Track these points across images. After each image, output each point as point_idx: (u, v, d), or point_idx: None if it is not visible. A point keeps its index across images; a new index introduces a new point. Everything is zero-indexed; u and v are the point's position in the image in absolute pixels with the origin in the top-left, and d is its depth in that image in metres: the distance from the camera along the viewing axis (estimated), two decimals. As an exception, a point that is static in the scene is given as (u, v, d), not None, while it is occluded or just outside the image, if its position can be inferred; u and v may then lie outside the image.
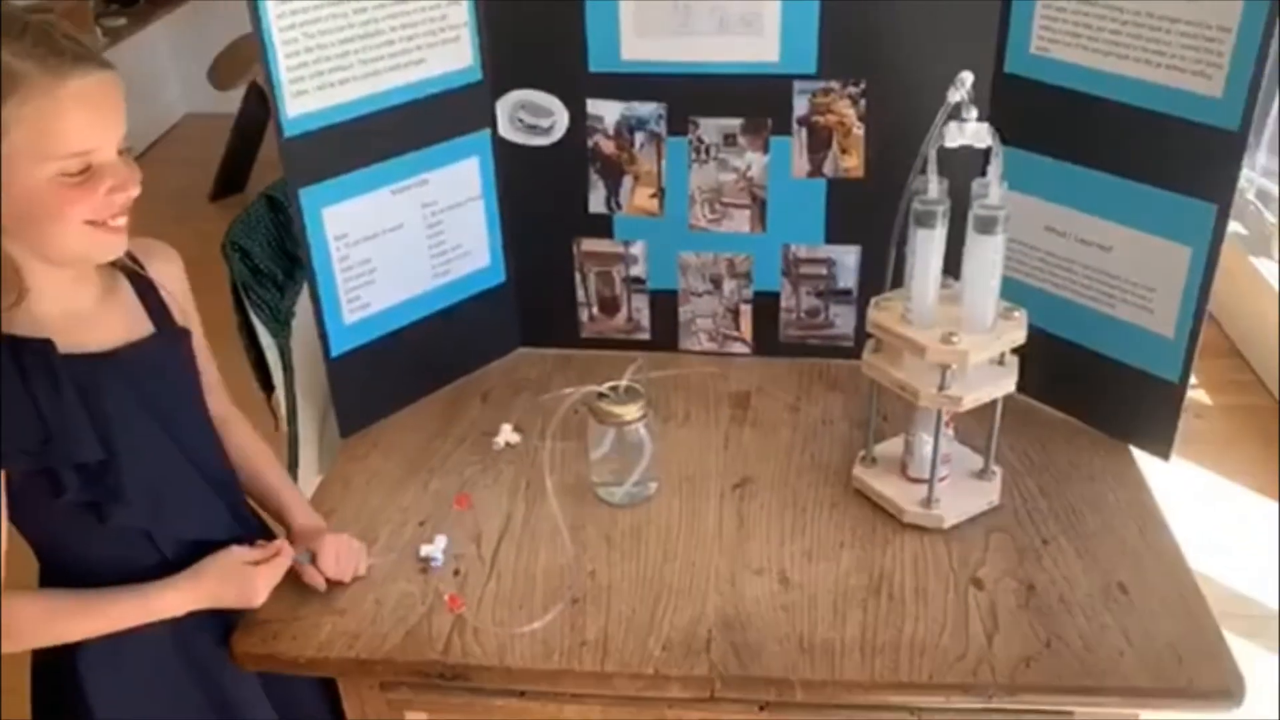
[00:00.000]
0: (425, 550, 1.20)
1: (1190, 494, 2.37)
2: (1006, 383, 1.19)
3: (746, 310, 1.54)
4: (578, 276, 1.54)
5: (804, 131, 1.41)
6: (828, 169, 1.42)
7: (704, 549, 1.22)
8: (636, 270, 1.53)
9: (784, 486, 1.31)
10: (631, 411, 1.24)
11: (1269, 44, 1.08)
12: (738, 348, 1.57)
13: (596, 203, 1.49)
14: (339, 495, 1.33)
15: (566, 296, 1.56)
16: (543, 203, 1.50)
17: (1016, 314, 1.17)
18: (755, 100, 1.40)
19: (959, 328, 1.14)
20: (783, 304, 1.52)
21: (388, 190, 1.37)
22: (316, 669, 1.11)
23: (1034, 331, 1.30)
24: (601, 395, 1.26)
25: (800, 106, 1.39)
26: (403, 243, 1.40)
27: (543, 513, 1.28)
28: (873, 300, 1.21)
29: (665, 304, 1.55)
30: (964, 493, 1.25)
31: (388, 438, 1.43)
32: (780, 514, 1.27)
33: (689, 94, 1.40)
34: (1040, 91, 1.28)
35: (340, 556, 1.16)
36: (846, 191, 1.43)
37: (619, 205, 1.49)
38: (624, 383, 1.27)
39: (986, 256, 1.11)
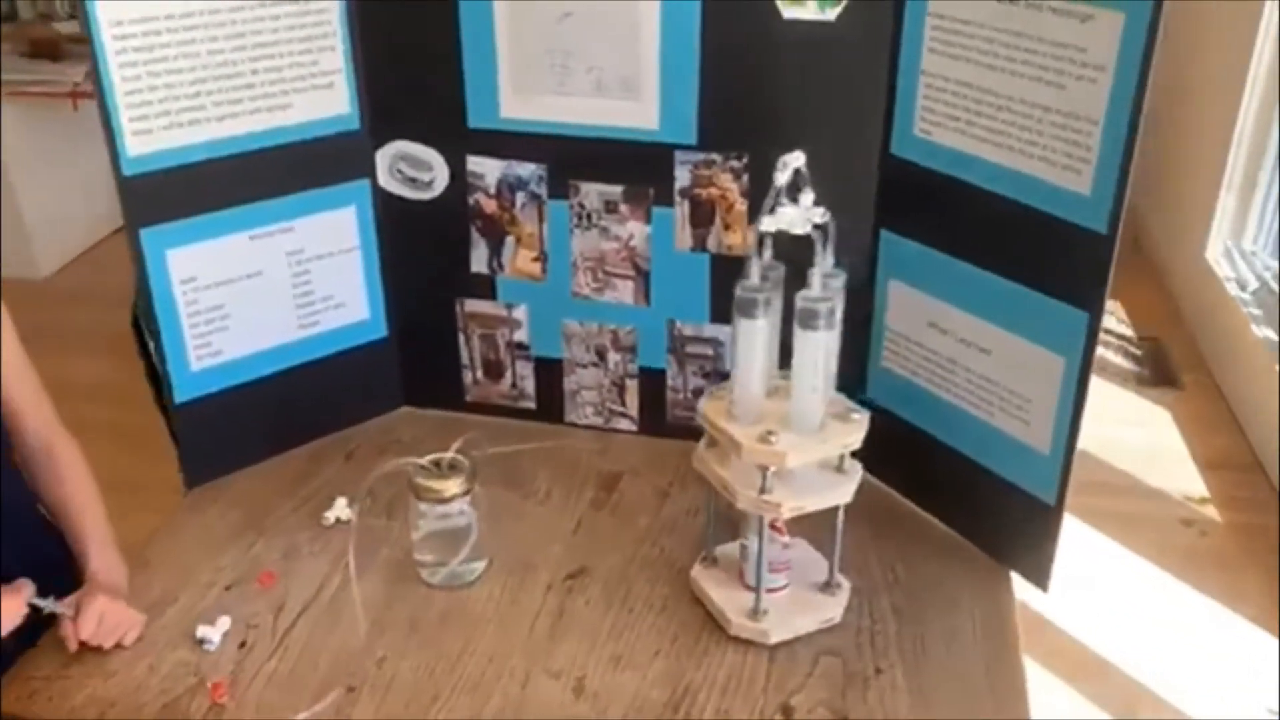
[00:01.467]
0: (201, 632, 1.13)
1: (1185, 620, 2.19)
2: (841, 491, 1.08)
3: (632, 386, 1.45)
4: (461, 338, 1.48)
5: (686, 204, 1.32)
6: (711, 244, 1.34)
7: (509, 644, 1.13)
8: (520, 335, 1.46)
9: (620, 582, 1.21)
10: (451, 488, 1.17)
11: (1134, 139, 0.97)
12: (624, 424, 1.48)
13: (478, 262, 1.42)
14: (161, 547, 1.27)
15: (450, 357, 1.49)
16: (425, 258, 1.44)
17: (856, 415, 1.07)
18: (636, 168, 1.32)
19: (786, 427, 1.04)
20: (669, 382, 1.43)
21: (245, 235, 1.32)
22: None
23: (917, 433, 1.20)
24: (423, 469, 1.18)
25: (682, 177, 1.31)
26: (262, 290, 1.35)
27: (361, 589, 1.20)
28: (708, 389, 1.12)
29: (550, 373, 1.47)
30: (801, 606, 1.14)
31: (235, 491, 1.37)
32: (605, 612, 1.17)
33: (569, 156, 1.33)
34: (924, 176, 1.18)
35: (105, 621, 1.09)
36: (731, 269, 1.33)
37: (501, 266, 1.42)
38: (449, 455, 1.20)
39: (808, 353, 1.01)
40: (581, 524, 1.31)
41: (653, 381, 1.44)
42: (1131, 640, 2.17)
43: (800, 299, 1.00)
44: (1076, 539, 2.16)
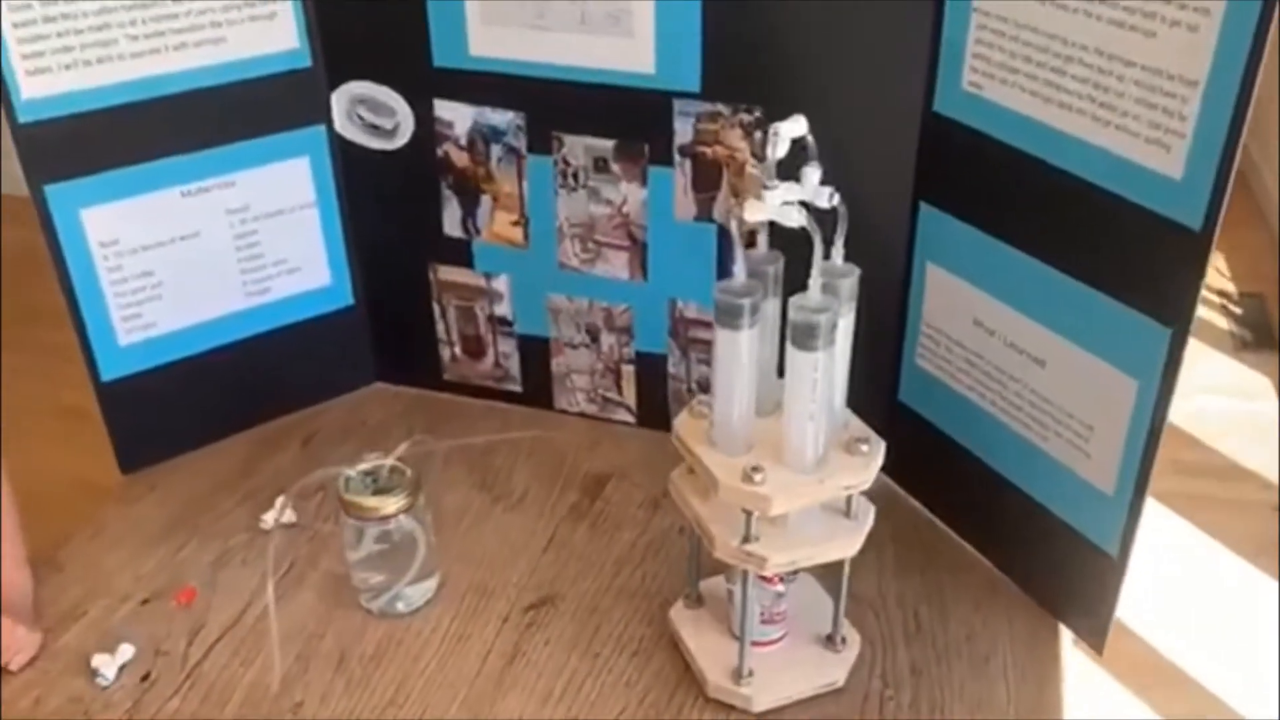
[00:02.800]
0: (96, 662, 0.98)
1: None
2: (846, 542, 0.88)
3: (629, 372, 1.25)
4: (436, 309, 1.29)
5: (688, 164, 1.11)
6: (718, 212, 1.12)
7: (448, 692, 0.96)
8: (501, 309, 1.26)
9: (589, 616, 1.03)
10: (388, 505, 0.99)
11: (1245, 109, 0.73)
12: (620, 415, 1.28)
13: (451, 224, 1.23)
14: (79, 548, 1.12)
15: (425, 331, 1.31)
16: (393, 217, 1.25)
17: (866, 448, 0.86)
18: (629, 119, 1.10)
19: (779, 459, 0.84)
20: (670, 370, 1.23)
21: (176, 191, 1.14)
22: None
23: (956, 448, 0.99)
24: (354, 480, 1.00)
25: (683, 132, 1.09)
26: (200, 255, 1.17)
27: (286, 611, 1.04)
28: (695, 398, 0.92)
29: (536, 353, 1.28)
30: (798, 665, 0.94)
31: (174, 480, 1.21)
32: (567, 655, 0.99)
33: (550, 103, 1.12)
34: (971, 140, 0.94)
35: None
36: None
37: (477, 230, 1.22)
38: (389, 462, 1.02)
39: (805, 376, 0.80)
40: (555, 538, 1.13)
41: (652, 368, 1.24)
42: (1212, 647, 1.94)
43: (794, 309, 0.79)
44: (1155, 526, 1.93)
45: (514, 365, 1.29)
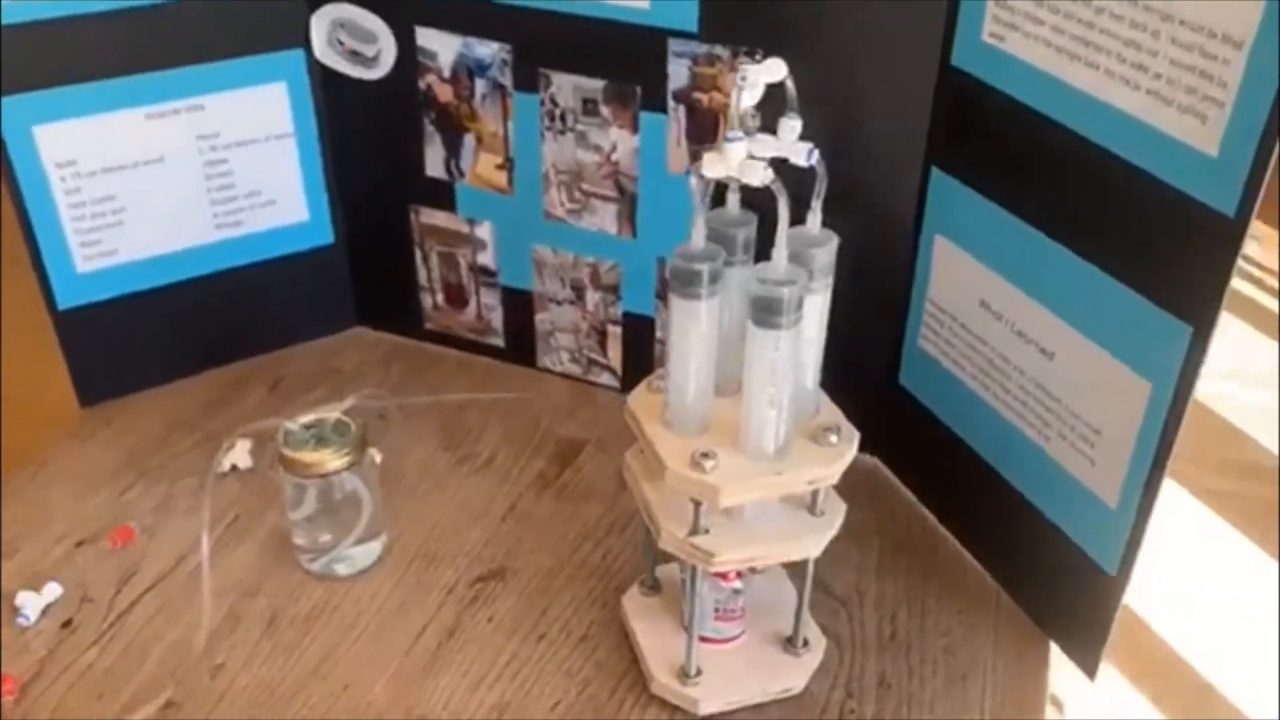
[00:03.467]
0: (20, 599, 0.93)
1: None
2: (807, 543, 0.79)
3: (615, 333, 1.17)
4: (418, 254, 1.21)
5: (682, 111, 1.01)
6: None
7: (376, 666, 0.89)
8: (485, 259, 1.18)
9: (540, 595, 0.96)
10: (330, 460, 0.92)
11: (1296, 78, 0.62)
12: (604, 378, 1.20)
13: (434, 164, 1.14)
14: (23, 483, 1.07)
15: (407, 275, 1.23)
16: (374, 154, 1.17)
17: (835, 439, 0.77)
18: (620, 58, 1.01)
19: (735, 446, 0.75)
20: (658, 334, 1.14)
21: (139, 113, 1.07)
22: None
23: (954, 440, 0.91)
24: (294, 433, 0.94)
25: (678, 75, 1.00)
26: (166, 181, 1.11)
27: (224, 564, 0.98)
28: (656, 371, 0.83)
29: (520, 306, 1.20)
30: (754, 668, 0.86)
31: (131, 417, 1.15)
32: (509, 636, 0.92)
33: (538, 36, 1.03)
34: (988, 98, 0.84)
35: None
36: (745, 199, 1.03)
37: (460, 172, 1.14)
38: (334, 414, 0.95)
39: (764, 356, 0.71)
40: (516, 507, 1.05)
41: (638, 330, 1.15)
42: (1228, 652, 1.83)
43: (757, 281, 0.69)
44: (1178, 523, 1.82)
45: (497, 319, 1.22)
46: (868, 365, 1.05)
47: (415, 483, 1.08)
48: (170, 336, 1.18)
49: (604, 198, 1.09)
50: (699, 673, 0.84)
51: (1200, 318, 0.71)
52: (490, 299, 1.21)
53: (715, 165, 0.68)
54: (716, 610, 0.85)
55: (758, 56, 0.95)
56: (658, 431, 0.77)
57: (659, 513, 0.78)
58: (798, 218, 0.73)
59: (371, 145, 1.16)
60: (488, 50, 1.06)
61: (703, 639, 0.86)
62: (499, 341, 1.23)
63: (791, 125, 0.71)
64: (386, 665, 0.89)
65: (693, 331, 0.73)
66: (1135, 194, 0.73)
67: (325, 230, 1.22)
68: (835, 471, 0.76)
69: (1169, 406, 0.75)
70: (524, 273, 1.17)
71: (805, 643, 0.87)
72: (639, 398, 0.81)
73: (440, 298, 1.23)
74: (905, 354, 1.02)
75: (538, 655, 0.90)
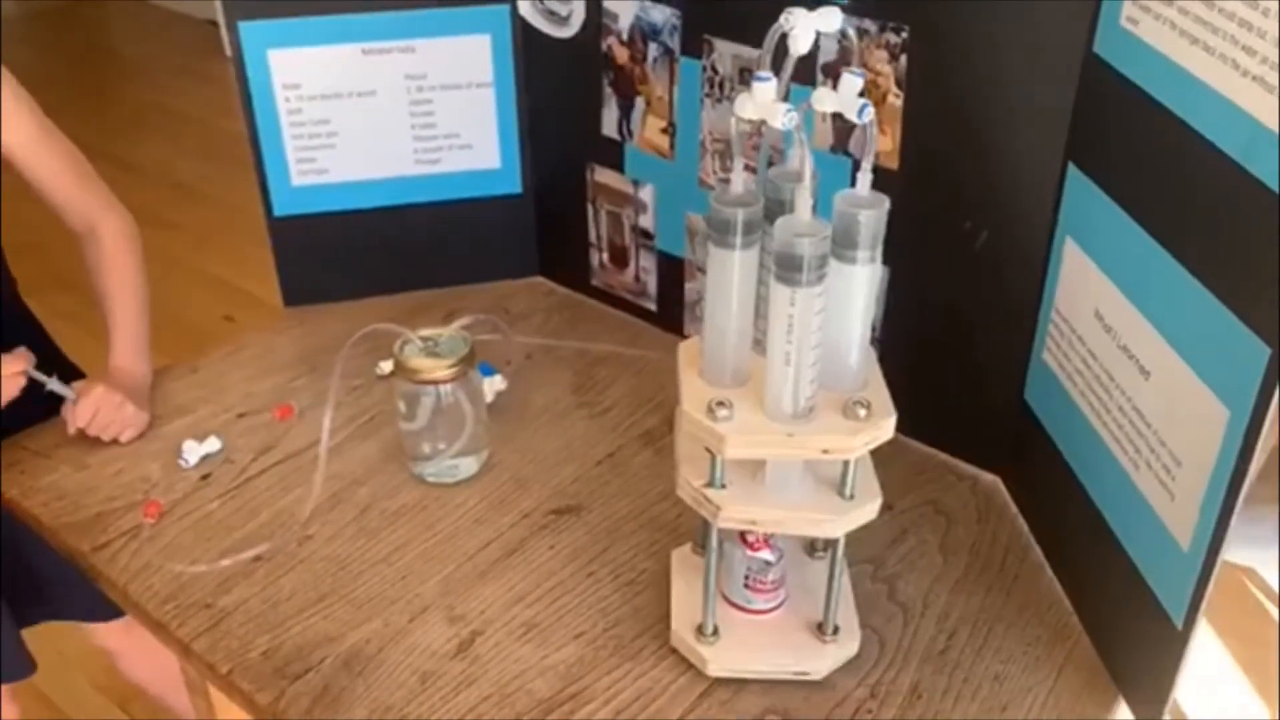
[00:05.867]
0: (186, 446, 1.07)
1: None
2: (827, 522, 0.76)
3: (757, 309, 1.16)
4: (590, 210, 1.27)
5: (829, 85, 0.99)
6: (854, 145, 1.00)
7: (437, 564, 0.95)
8: (645, 221, 1.22)
9: (605, 535, 0.98)
10: (438, 369, 0.99)
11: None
12: (745, 353, 1.20)
13: (609, 124, 1.19)
14: (215, 360, 1.23)
15: (581, 231, 1.29)
16: (562, 110, 1.24)
17: (864, 413, 0.73)
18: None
19: (758, 404, 0.74)
20: (796, 315, 1.13)
21: (358, 48, 1.19)
22: (8, 505, 1.04)
23: (1059, 460, 0.86)
24: (409, 342, 1.01)
25: (827, 48, 0.98)
26: (375, 112, 1.23)
27: (346, 455, 1.08)
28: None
29: (672, 271, 1.23)
30: (776, 645, 0.84)
31: (320, 320, 1.29)
32: (562, 566, 0.95)
33: (706, 1, 1.05)
34: (1122, 92, 0.77)
35: (101, 413, 1.07)
36: (876, 186, 1.00)
37: (630, 133, 1.18)
38: (447, 332, 1.02)
39: (780, 311, 0.69)
40: (616, 454, 1.08)
41: (778, 309, 1.14)
42: None
43: (779, 233, 0.68)
44: None
45: (651, 283, 1.25)
46: (997, 379, 0.99)
47: (534, 416, 1.13)
48: (366, 257, 1.31)
49: (752, 169, 1.09)
50: (716, 632, 0.84)
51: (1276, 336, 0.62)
52: (648, 262, 1.24)
53: (745, 105, 0.68)
54: (747, 578, 0.84)
55: (905, 34, 0.92)
56: (690, 379, 0.78)
57: (683, 460, 0.79)
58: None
59: (559, 102, 1.23)
60: (661, 14, 1.09)
61: (732, 604, 0.86)
62: (652, 305, 1.26)
63: (854, 81, 0.69)
64: (445, 565, 0.95)
65: (726, 281, 0.73)
66: (1238, 196, 0.65)
67: (514, 180, 1.30)
68: (855, 445, 0.73)
69: (1244, 436, 0.66)
70: (678, 239, 1.20)
71: (835, 630, 0.84)
72: (689, 346, 0.81)
73: (605, 256, 1.28)
74: (1032, 367, 0.95)
75: (582, 588, 0.93)
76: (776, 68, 0.71)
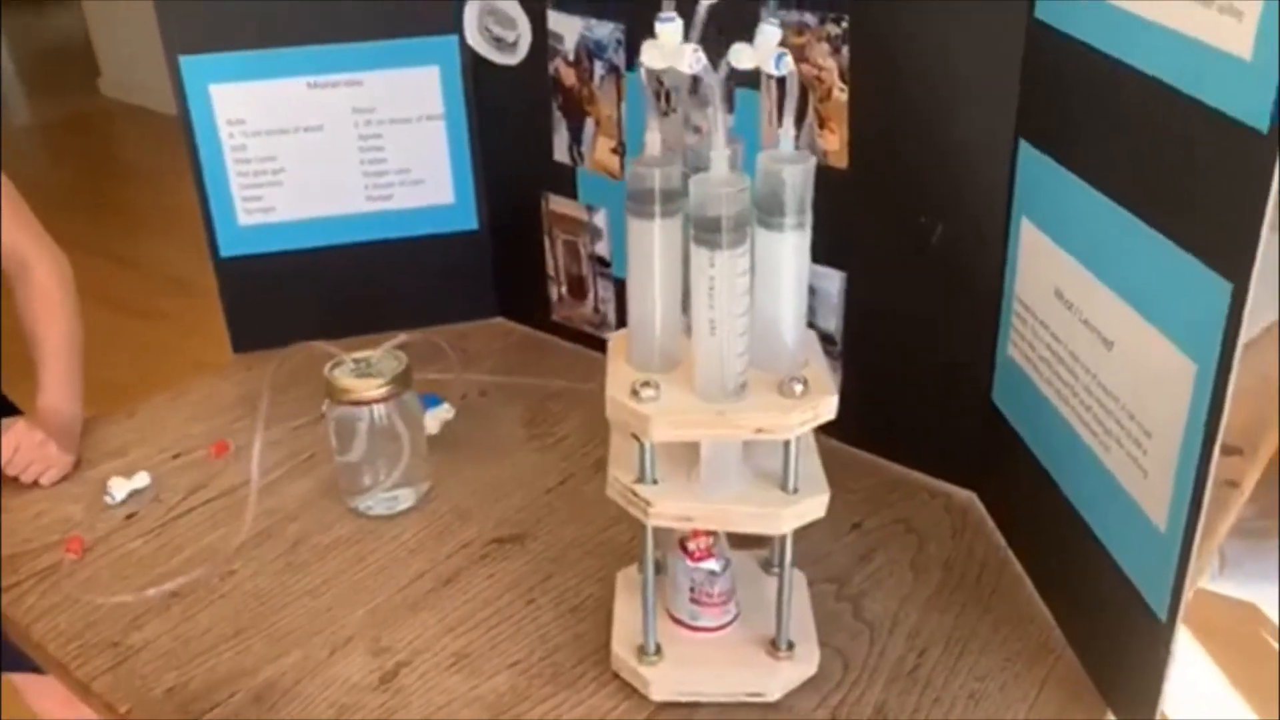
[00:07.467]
0: (113, 483, 1.01)
1: None
2: (766, 518, 0.69)
3: (717, 333, 1.11)
4: (546, 242, 1.23)
5: (774, 85, 0.96)
6: (803, 144, 0.96)
7: (366, 596, 0.88)
8: (600, 248, 1.18)
9: (551, 563, 0.91)
10: (370, 388, 0.94)
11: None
12: (708, 382, 1.14)
13: (560, 149, 1.16)
14: (156, 405, 1.17)
15: (539, 266, 1.25)
16: (513, 141, 1.21)
17: (799, 389, 0.67)
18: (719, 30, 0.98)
19: (687, 387, 0.68)
20: (757, 335, 1.08)
21: (303, 81, 1.17)
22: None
23: (1030, 461, 0.80)
24: (340, 363, 0.96)
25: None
26: (323, 148, 1.20)
27: (281, 491, 1.02)
28: (652, 320, 0.78)
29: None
30: (726, 664, 0.76)
31: (268, 365, 1.22)
32: (500, 594, 0.88)
33: (647, 14, 1.02)
34: (1069, 56, 0.73)
35: (21, 451, 1.01)
36: (826, 187, 0.95)
37: (581, 157, 1.15)
38: (378, 353, 0.97)
39: (700, 275, 0.64)
40: (566, 483, 1.02)
41: (738, 330, 1.09)
42: None
43: (694, 192, 0.64)
44: None
45: (611, 312, 1.20)
46: (964, 384, 0.93)
47: (483, 450, 1.07)
48: (318, 300, 1.26)
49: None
50: (659, 651, 0.76)
51: (1237, 269, 0.56)
52: (606, 291, 1.20)
53: (651, 52, 0.64)
54: (691, 592, 0.77)
55: (845, 23, 0.89)
56: (618, 365, 0.72)
57: (614, 458, 0.72)
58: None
59: (510, 131, 1.20)
60: (604, 30, 1.07)
61: (678, 621, 0.78)
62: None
63: (771, 32, 0.65)
64: (375, 597, 0.88)
65: (647, 253, 0.68)
66: (1180, 125, 0.60)
67: (470, 215, 1.26)
68: (792, 423, 0.67)
69: (1212, 388, 0.60)
70: (636, 264, 1.15)
71: (790, 646, 0.76)
72: (618, 336, 0.76)
73: (564, 289, 1.24)
74: (998, 365, 0.89)
75: (519, 616, 0.86)
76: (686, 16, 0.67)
